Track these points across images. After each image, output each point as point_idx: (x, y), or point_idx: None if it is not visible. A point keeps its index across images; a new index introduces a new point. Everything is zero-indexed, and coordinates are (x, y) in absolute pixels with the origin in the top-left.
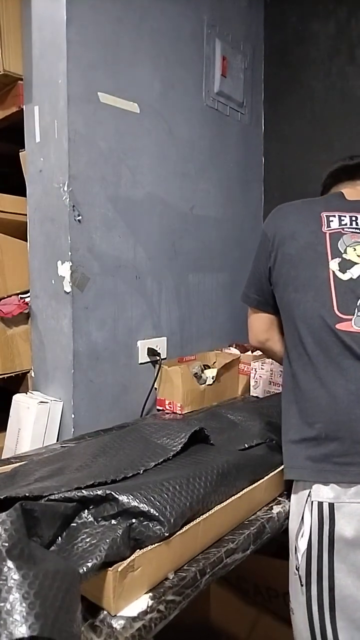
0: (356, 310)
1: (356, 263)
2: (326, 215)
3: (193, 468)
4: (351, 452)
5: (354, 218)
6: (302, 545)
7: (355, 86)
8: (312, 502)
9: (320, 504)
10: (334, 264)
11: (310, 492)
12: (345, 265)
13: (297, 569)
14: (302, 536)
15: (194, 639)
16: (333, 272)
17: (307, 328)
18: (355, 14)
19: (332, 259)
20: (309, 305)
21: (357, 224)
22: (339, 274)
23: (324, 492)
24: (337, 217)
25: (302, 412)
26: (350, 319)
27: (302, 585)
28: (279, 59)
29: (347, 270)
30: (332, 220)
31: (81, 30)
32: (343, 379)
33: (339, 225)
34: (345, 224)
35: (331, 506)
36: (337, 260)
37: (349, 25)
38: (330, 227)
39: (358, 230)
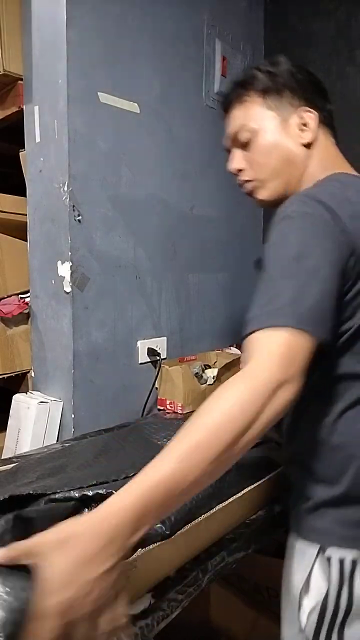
0: None
1: None
2: None
3: None
4: None
5: None
6: (309, 604)
7: (355, 86)
8: (327, 557)
9: (341, 562)
10: None
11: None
12: None
13: (303, 630)
14: (308, 594)
15: (194, 639)
16: None
17: None
18: (355, 14)
19: None
20: None
21: None
22: None
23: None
24: None
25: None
26: None
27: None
28: None
29: None
30: None
31: (81, 30)
32: None
33: None
34: None
35: (354, 564)
36: None
37: (349, 26)
38: None
39: None
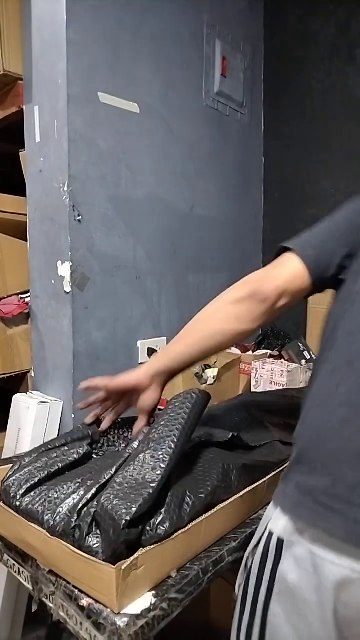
0: None
1: None
2: None
3: (195, 472)
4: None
5: None
6: (249, 562)
7: (355, 86)
8: (267, 527)
9: (270, 535)
10: None
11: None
12: None
13: (238, 587)
14: (252, 554)
15: (195, 639)
16: None
17: None
18: (355, 14)
19: None
20: None
21: None
22: None
23: (280, 523)
24: None
25: None
26: None
27: (236, 607)
28: (279, 59)
29: None
30: None
31: (81, 30)
32: None
33: None
34: None
35: (280, 543)
36: None
37: (348, 26)
38: None
39: None
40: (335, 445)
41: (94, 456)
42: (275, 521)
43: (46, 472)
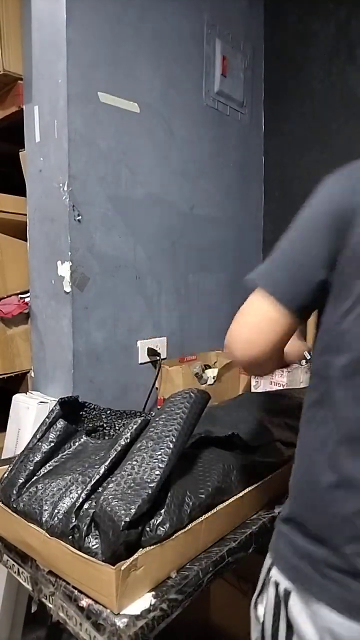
0: None
1: None
2: None
3: (196, 472)
4: None
5: None
6: (260, 612)
7: (355, 86)
8: (271, 577)
9: (276, 584)
10: None
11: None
12: None
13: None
14: (261, 603)
15: (194, 639)
16: None
17: None
18: (355, 13)
19: None
20: None
21: None
22: None
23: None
24: None
25: None
26: None
27: None
28: (279, 58)
29: None
30: None
31: (81, 29)
32: None
33: None
34: None
35: (286, 593)
36: None
37: (349, 25)
38: None
39: None
40: (327, 510)
41: (85, 438)
42: (277, 575)
43: (32, 468)
